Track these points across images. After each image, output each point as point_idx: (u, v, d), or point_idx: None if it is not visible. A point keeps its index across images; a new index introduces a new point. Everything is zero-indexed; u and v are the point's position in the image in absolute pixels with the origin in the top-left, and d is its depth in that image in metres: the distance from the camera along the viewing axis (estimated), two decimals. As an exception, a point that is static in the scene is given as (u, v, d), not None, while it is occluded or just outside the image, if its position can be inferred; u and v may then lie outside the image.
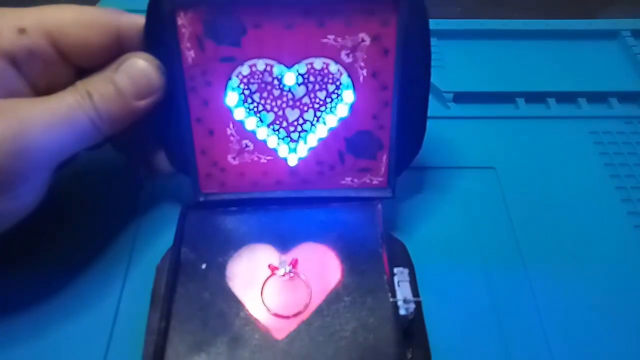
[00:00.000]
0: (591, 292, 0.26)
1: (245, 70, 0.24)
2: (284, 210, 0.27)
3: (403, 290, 0.22)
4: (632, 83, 0.36)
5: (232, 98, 0.24)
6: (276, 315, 0.23)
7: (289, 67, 0.24)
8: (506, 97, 0.35)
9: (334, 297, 0.23)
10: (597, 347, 0.24)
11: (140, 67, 0.23)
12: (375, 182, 0.27)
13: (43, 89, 0.22)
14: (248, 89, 0.24)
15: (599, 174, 0.31)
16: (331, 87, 0.25)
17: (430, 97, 0.26)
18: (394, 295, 0.23)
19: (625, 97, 0.35)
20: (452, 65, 0.37)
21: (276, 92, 0.25)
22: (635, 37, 0.39)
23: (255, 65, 0.24)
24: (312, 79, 0.24)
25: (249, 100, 0.25)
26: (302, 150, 0.26)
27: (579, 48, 0.38)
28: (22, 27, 0.21)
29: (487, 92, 0.35)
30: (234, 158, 0.26)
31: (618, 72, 0.37)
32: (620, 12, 0.42)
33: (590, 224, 0.28)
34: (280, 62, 0.24)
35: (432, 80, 0.25)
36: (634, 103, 0.35)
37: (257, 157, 0.26)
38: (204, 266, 0.24)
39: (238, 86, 0.24)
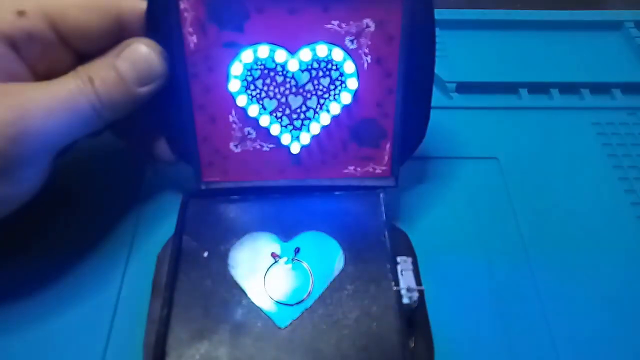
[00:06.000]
0: (593, 281, 0.26)
1: (248, 56, 0.23)
2: (286, 198, 0.26)
3: (406, 279, 0.22)
4: (636, 74, 0.36)
5: (234, 84, 0.24)
6: (279, 303, 0.23)
7: (293, 53, 0.24)
8: (509, 88, 0.35)
9: (336, 286, 0.23)
10: (599, 334, 0.24)
11: (142, 52, 0.22)
12: (378, 171, 0.27)
13: (43, 73, 0.22)
14: (251, 75, 0.24)
15: (602, 165, 0.31)
16: (335, 74, 0.24)
17: (433, 87, 0.25)
18: (397, 283, 0.22)
19: (629, 88, 0.35)
20: (455, 55, 0.36)
21: (279, 79, 0.24)
22: (638, 28, 0.38)
23: (258, 51, 0.23)
24: (315, 65, 0.24)
25: (252, 86, 0.24)
26: (305, 138, 0.26)
27: (582, 39, 0.38)
28: (22, 10, 0.21)
29: (490, 83, 0.35)
30: (236, 146, 0.26)
31: (621, 63, 0.37)
32: (623, 2, 0.41)
33: (593, 214, 0.28)
34: (283, 48, 0.23)
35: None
36: (637, 94, 0.35)
37: (260, 145, 0.26)
38: (205, 254, 0.24)
39: (241, 72, 0.24)
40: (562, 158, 0.31)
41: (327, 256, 0.24)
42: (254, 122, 0.25)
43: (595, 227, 0.28)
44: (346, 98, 0.25)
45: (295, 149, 0.26)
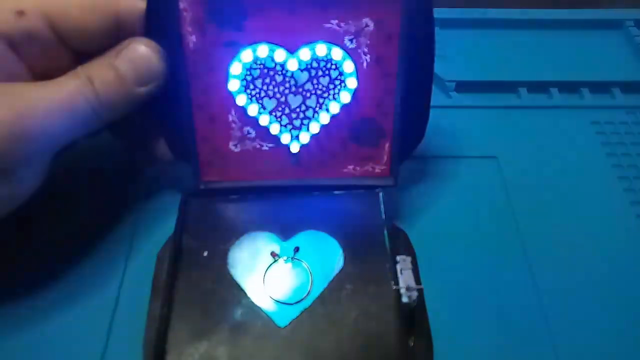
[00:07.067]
0: (593, 280, 0.26)
1: (247, 55, 0.23)
2: (285, 197, 0.26)
3: (405, 278, 0.22)
4: (635, 73, 0.36)
5: (233, 84, 0.24)
6: (278, 302, 0.23)
7: (292, 52, 0.24)
8: (508, 87, 0.35)
9: (336, 285, 0.23)
10: (598, 333, 0.24)
11: (141, 52, 0.22)
12: (377, 170, 0.27)
13: (42, 73, 0.22)
14: (250, 74, 0.24)
15: (602, 164, 0.31)
16: (334, 73, 0.24)
17: (433, 87, 0.25)
18: (396, 282, 0.23)
19: (628, 87, 0.35)
20: (455, 54, 0.36)
21: (279, 78, 0.24)
22: (638, 27, 0.38)
23: (257, 50, 0.23)
24: (315, 64, 0.24)
25: (251, 86, 0.24)
26: (305, 137, 0.26)
27: (582, 38, 0.38)
28: (21, 10, 0.21)
29: (490, 82, 0.34)
30: (235, 145, 0.26)
31: (621, 62, 0.37)
32: (623, 1, 0.41)
33: (593, 213, 0.28)
34: (283, 47, 0.23)
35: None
36: (637, 93, 0.35)
37: (259, 144, 0.26)
38: (205, 254, 0.24)
39: (240, 72, 0.24)
40: (562, 157, 0.31)
41: (326, 255, 0.24)
42: (254, 121, 0.25)
43: (595, 226, 0.28)
44: (345, 97, 0.25)
45: (294, 148, 0.26)
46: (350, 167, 0.27)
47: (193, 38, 0.23)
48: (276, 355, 0.21)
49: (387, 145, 0.26)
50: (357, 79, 0.24)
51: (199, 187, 0.26)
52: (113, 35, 0.23)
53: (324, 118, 0.25)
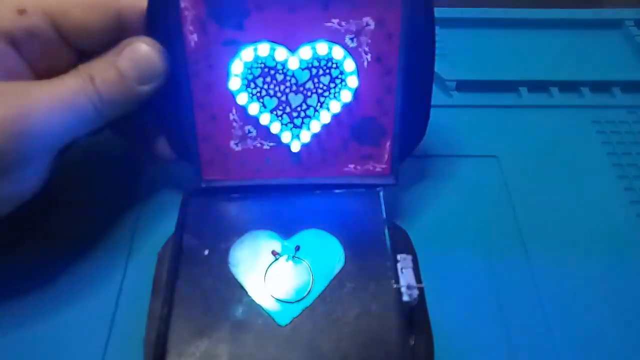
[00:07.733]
0: (593, 279, 0.26)
1: (248, 54, 0.24)
2: (286, 196, 0.26)
3: (406, 277, 0.22)
4: (635, 72, 0.36)
5: (234, 83, 0.24)
6: (279, 301, 0.23)
7: (293, 51, 0.24)
8: (509, 86, 0.35)
9: (336, 283, 0.23)
10: (598, 334, 0.24)
11: (143, 51, 0.22)
12: (378, 169, 0.27)
13: (43, 71, 0.22)
14: (251, 73, 0.24)
15: (602, 163, 0.31)
16: (335, 72, 0.24)
17: (433, 86, 0.25)
18: (397, 281, 0.23)
19: (628, 86, 0.35)
20: (455, 53, 0.36)
21: (279, 77, 0.24)
22: (638, 26, 0.38)
23: (258, 49, 0.23)
24: (315, 63, 0.24)
25: (252, 85, 0.24)
26: (305, 136, 0.26)
27: (582, 37, 0.38)
28: (22, 8, 0.21)
29: (490, 81, 0.35)
30: (236, 144, 0.26)
31: (621, 61, 0.37)
32: (623, 1, 0.41)
33: (593, 212, 0.28)
34: (283, 46, 0.24)
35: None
36: (637, 92, 0.35)
37: (260, 143, 0.26)
38: (206, 252, 0.24)
39: (241, 71, 0.24)
40: (562, 156, 0.31)
41: (327, 254, 0.24)
42: (255, 120, 0.25)
43: (595, 225, 0.28)
44: (346, 96, 0.25)
45: (295, 147, 0.26)
46: (351, 165, 0.27)
47: (194, 37, 0.23)
48: (277, 353, 0.21)
49: (387, 144, 0.26)
50: (358, 77, 0.24)
51: (200, 185, 0.26)
52: (114, 34, 0.23)
53: (325, 117, 0.25)
